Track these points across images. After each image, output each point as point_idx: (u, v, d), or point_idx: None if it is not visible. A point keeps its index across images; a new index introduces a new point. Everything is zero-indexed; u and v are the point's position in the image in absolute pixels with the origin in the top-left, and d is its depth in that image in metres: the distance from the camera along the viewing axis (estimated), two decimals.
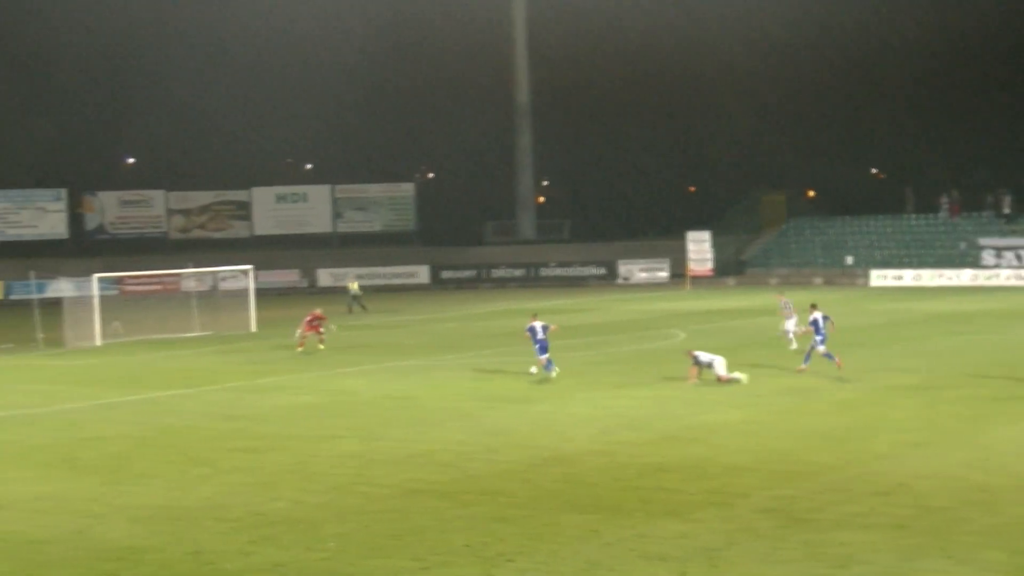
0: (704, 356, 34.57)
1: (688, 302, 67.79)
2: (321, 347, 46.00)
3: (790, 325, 42.16)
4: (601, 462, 24.32)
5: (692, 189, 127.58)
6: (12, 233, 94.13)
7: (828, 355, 36.04)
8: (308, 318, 46.76)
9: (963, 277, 76.15)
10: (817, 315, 36.83)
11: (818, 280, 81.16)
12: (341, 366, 41.75)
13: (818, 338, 36.45)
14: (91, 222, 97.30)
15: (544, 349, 36.42)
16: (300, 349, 45.74)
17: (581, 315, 60.84)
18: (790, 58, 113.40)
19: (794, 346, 41.20)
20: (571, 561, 17.86)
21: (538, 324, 36.90)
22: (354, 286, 67.27)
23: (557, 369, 36.58)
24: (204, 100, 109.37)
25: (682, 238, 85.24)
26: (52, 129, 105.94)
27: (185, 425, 30.47)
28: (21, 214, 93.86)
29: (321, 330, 46.52)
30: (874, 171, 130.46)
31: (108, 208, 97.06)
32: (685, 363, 35.28)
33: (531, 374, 36.84)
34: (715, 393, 32.67)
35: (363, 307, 65.34)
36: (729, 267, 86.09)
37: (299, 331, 46.49)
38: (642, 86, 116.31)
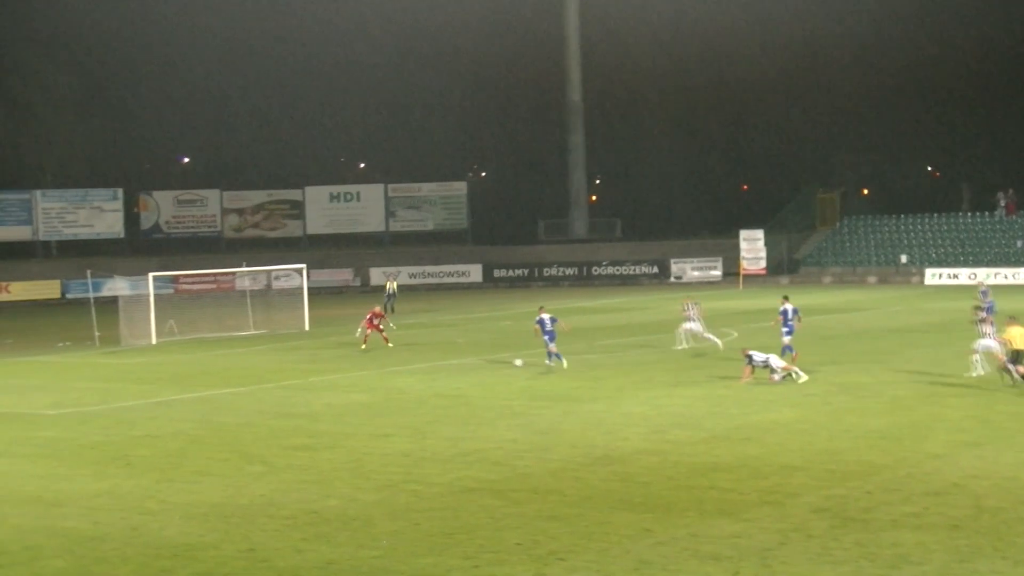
0: (759, 356, 34.39)
1: (740, 301, 67.49)
2: (389, 345, 46.21)
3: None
4: (653, 461, 24.26)
5: (745, 187, 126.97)
6: (69, 232, 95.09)
7: (788, 347, 37.05)
8: (368, 316, 47.05)
9: (1020, 276, 75.41)
10: (787, 307, 38.15)
11: (872, 279, 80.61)
12: (392, 364, 41.85)
13: (784, 329, 37.50)
14: (147, 221, 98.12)
15: (552, 339, 38.31)
16: (364, 347, 45.92)
17: (633, 314, 60.69)
18: (846, 56, 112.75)
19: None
20: (622, 560, 17.82)
21: (546, 316, 39.00)
22: (393, 285, 67.03)
23: (566, 361, 37.89)
24: (258, 99, 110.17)
25: (735, 236, 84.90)
26: (109, 129, 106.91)
27: (239, 423, 30.66)
28: (78, 213, 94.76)
29: (381, 328, 46.77)
30: (930, 169, 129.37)
31: (163, 207, 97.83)
32: (739, 362, 35.12)
33: (516, 366, 38.96)
34: (768, 392, 32.50)
35: (391, 308, 64.20)
36: (782, 266, 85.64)
37: (360, 330, 46.74)
38: (694, 84, 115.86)
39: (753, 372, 34.14)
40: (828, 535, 18.64)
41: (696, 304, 43.34)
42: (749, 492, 21.43)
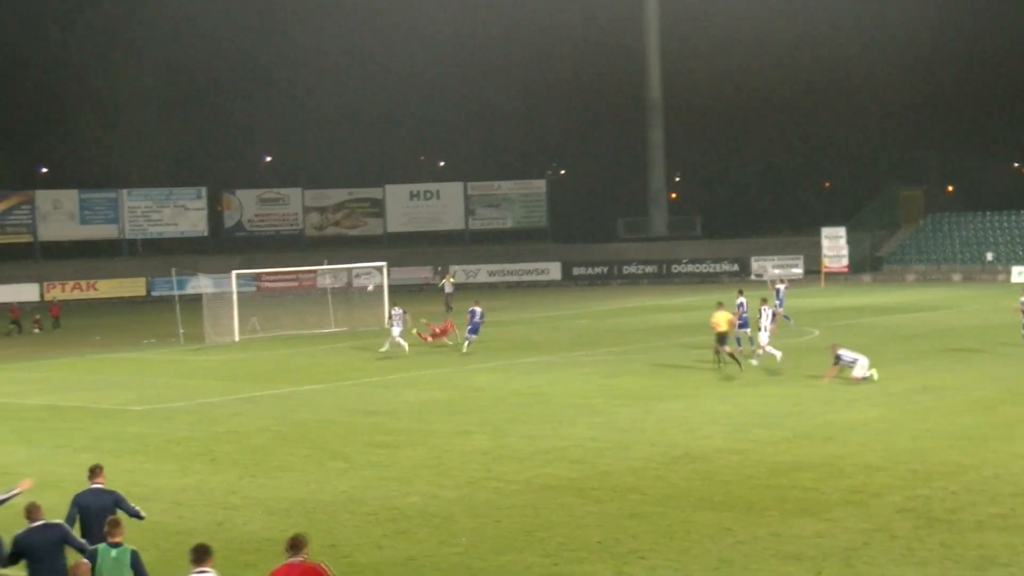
0: (848, 355, 33.97)
1: (822, 299, 66.91)
2: (429, 340, 46.83)
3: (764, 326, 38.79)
4: (735, 460, 24.10)
5: (827, 184, 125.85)
6: (154, 231, 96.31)
7: (739, 340, 39.47)
8: (444, 326, 47.80)
9: None
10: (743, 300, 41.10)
11: (957, 276, 79.58)
12: (471, 362, 41.94)
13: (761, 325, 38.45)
14: (230, 219, 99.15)
15: (475, 331, 44.37)
16: (414, 331, 46.50)
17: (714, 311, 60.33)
18: (930, 51, 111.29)
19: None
20: (703, 559, 17.72)
21: (478, 309, 44.80)
22: (450, 280, 66.91)
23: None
24: (339, 98, 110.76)
25: (816, 234, 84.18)
26: (193, 129, 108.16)
27: (321, 420, 30.87)
28: (163, 212, 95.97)
29: (436, 337, 47.26)
30: (1016, 165, 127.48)
31: (246, 206, 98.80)
32: (820, 361, 34.80)
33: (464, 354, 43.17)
34: (850, 391, 32.19)
35: (449, 307, 63.94)
36: (865, 264, 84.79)
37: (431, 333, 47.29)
38: (776, 80, 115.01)
39: (840, 371, 33.80)
40: (912, 536, 18.42)
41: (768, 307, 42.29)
42: (832, 492, 21.23)
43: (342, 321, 56.44)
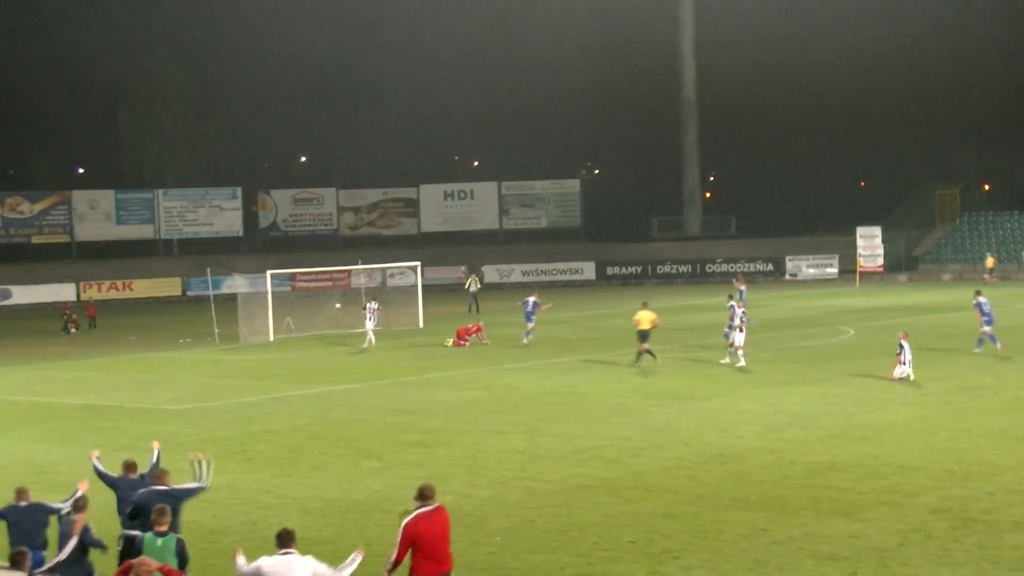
0: (907, 352, 33.48)
1: (858, 298, 66.64)
2: (447, 343, 46.91)
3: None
4: (769, 459, 24.04)
5: (862, 184, 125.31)
6: (190, 231, 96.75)
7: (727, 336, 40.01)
8: (470, 329, 47.88)
9: None
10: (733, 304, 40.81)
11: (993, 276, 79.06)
12: (506, 362, 41.97)
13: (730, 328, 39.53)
14: (265, 219, 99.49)
15: (529, 320, 46.86)
16: (448, 343, 46.67)
17: (748, 311, 60.14)
18: (966, 48, 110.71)
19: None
20: (738, 559, 17.68)
21: (531, 299, 47.49)
22: (475, 281, 66.89)
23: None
24: (374, 99, 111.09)
25: (852, 233, 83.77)
26: (229, 129, 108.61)
27: (355, 419, 30.95)
28: (198, 212, 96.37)
29: (467, 341, 47.38)
30: None
31: (281, 206, 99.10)
32: (853, 361, 34.62)
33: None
34: (885, 391, 32.04)
35: (478, 306, 63.92)
36: (900, 263, 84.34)
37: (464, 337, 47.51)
38: (810, 79, 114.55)
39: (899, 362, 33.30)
40: (948, 536, 18.33)
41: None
42: (867, 492, 21.15)
43: (377, 321, 56.47)
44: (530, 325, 47.11)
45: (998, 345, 38.78)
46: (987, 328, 39.61)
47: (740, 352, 38.00)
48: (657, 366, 38.25)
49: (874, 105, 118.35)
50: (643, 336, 39.03)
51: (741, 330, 38.27)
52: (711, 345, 43.73)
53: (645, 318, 39.36)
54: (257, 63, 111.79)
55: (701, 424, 28.29)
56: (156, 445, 19.06)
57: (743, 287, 53.06)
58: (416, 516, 14.14)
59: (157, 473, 17.51)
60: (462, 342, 47.34)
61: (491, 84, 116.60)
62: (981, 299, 40.94)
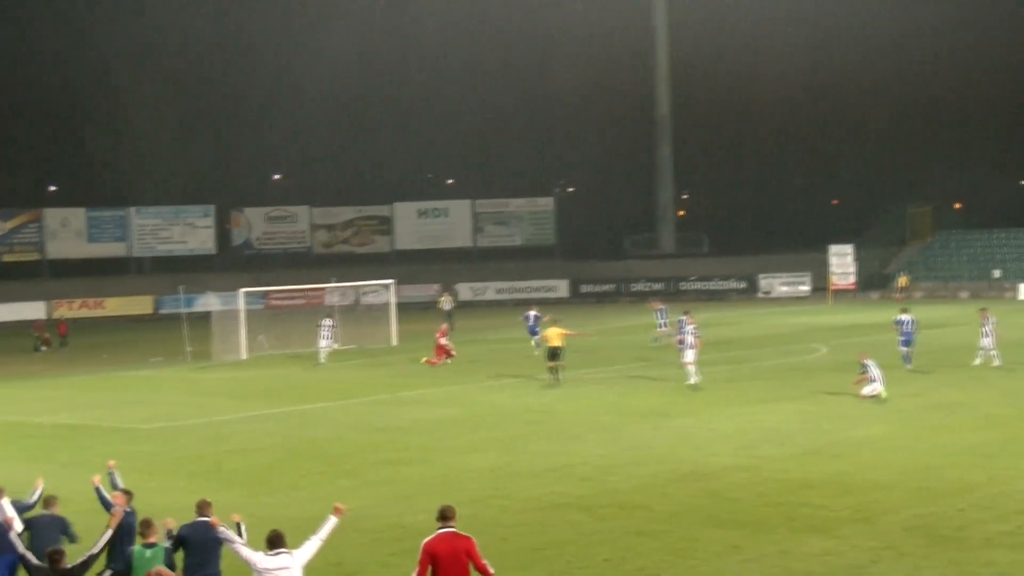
0: (875, 370, 33.59)
1: (830, 316, 66.87)
2: (422, 360, 46.76)
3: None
4: (743, 477, 24.11)
5: (835, 202, 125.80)
6: (163, 249, 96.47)
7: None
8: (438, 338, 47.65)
9: None
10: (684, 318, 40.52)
11: (964, 294, 79.44)
12: (481, 379, 41.97)
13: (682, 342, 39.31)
14: (238, 237, 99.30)
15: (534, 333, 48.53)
16: (423, 360, 46.51)
17: (722, 329, 60.35)
18: (938, 67, 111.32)
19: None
20: None
21: (532, 313, 49.56)
22: (449, 299, 66.63)
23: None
24: (347, 116, 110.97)
25: (824, 251, 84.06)
26: (203, 146, 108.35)
27: (329, 437, 30.90)
28: (171, 230, 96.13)
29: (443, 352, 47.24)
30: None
31: (255, 224, 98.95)
32: (829, 377, 34.79)
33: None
34: (860, 408, 32.17)
35: (451, 324, 63.59)
36: (873, 281, 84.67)
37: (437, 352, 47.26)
38: (784, 97, 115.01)
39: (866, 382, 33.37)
40: (920, 553, 18.42)
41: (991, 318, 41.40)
42: (840, 509, 21.24)
43: (350, 339, 56.44)
44: (537, 337, 48.57)
45: (908, 366, 39.58)
46: (904, 348, 40.70)
47: (691, 368, 37.94)
48: (558, 383, 39.08)
49: (847, 123, 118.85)
50: (553, 353, 39.94)
51: (692, 347, 38.15)
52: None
53: (554, 334, 40.33)
54: (231, 81, 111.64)
55: (676, 441, 28.35)
56: (112, 464, 19.10)
57: (661, 307, 53.79)
58: (436, 536, 14.44)
59: (118, 495, 17.60)
60: (436, 360, 47.11)
61: (465, 102, 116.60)
62: (903, 316, 41.67)
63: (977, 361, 40.53)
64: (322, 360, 49.68)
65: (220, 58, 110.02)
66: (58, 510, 17.63)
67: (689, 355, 38.01)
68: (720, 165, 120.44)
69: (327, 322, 50.59)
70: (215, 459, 28.35)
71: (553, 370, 40.00)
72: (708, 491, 23.02)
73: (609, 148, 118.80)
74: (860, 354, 34.57)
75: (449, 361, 46.27)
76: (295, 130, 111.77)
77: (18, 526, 17.12)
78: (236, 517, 16.86)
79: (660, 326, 52.28)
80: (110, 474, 18.73)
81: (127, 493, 17.92)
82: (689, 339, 38.26)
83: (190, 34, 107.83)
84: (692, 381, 37.54)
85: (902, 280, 79.77)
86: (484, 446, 28.61)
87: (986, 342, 40.58)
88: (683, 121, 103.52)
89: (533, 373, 42.78)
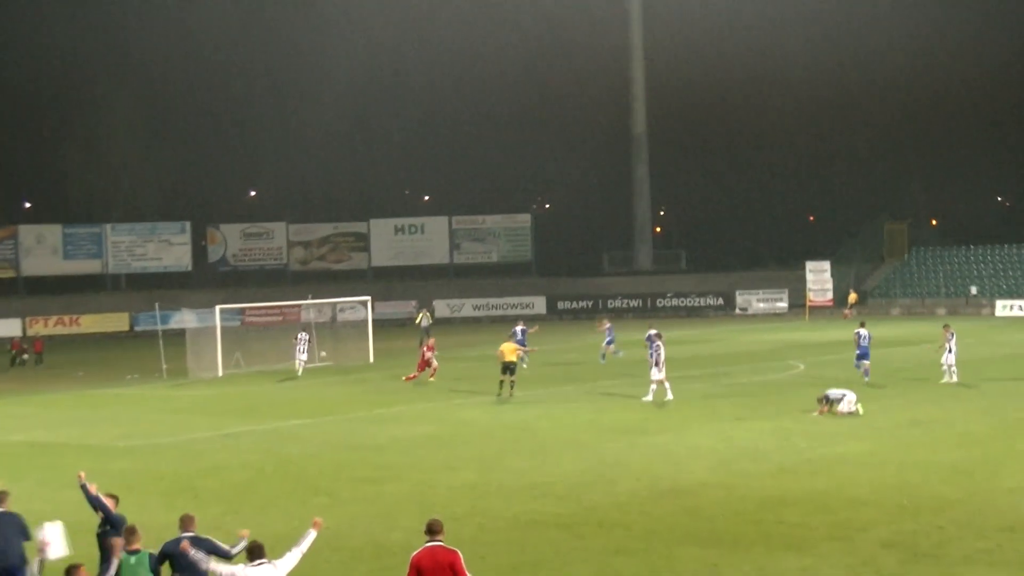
0: (836, 392, 34.12)
1: (807, 333, 67.03)
2: (402, 378, 46.63)
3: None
4: (720, 494, 24.09)
5: (811, 218, 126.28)
6: (138, 265, 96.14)
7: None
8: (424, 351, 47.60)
9: None
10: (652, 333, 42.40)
11: (941, 311, 79.74)
12: (458, 397, 41.90)
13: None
14: (214, 254, 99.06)
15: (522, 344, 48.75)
16: (404, 378, 46.34)
17: (699, 346, 60.44)
18: (913, 85, 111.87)
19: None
20: None
21: (519, 327, 50.51)
22: (426, 316, 66.48)
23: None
24: (323, 133, 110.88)
25: (801, 268, 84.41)
26: (178, 163, 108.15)
27: (305, 455, 30.77)
28: (147, 247, 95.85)
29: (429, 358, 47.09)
30: (999, 199, 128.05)
31: (231, 240, 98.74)
32: (808, 392, 34.85)
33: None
34: (837, 425, 32.21)
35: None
36: (849, 297, 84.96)
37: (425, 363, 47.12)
38: (761, 114, 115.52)
39: (830, 408, 33.81)
40: (898, 571, 18.42)
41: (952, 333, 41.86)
42: (817, 527, 21.23)
43: (326, 355, 56.35)
44: (525, 349, 49.42)
45: (866, 379, 40.98)
46: (863, 361, 42.03)
47: (653, 387, 37.96)
48: (511, 397, 39.98)
49: (823, 139, 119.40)
50: (507, 368, 40.91)
51: (658, 365, 38.12)
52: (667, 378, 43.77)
53: (508, 349, 41.46)
54: (207, 96, 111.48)
55: (653, 458, 28.32)
56: (83, 475, 18.94)
57: (609, 325, 55.25)
58: (423, 550, 14.80)
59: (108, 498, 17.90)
60: (416, 373, 46.92)
61: (441, 118, 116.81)
62: (861, 330, 42.86)
63: (944, 379, 40.73)
64: (299, 373, 50.38)
65: (196, 73, 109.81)
66: (9, 506, 17.50)
67: (655, 372, 37.99)
68: (697, 181, 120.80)
69: (303, 335, 51.48)
70: (190, 477, 28.21)
71: (503, 384, 40.84)
72: (685, 508, 23.00)
73: (586, 165, 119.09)
74: (820, 397, 34.52)
75: (432, 377, 46.17)
76: (272, 146, 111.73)
77: None
78: (244, 533, 16.86)
79: (607, 342, 53.96)
80: (82, 486, 18.53)
81: (113, 497, 17.91)
82: (657, 356, 38.16)
83: (165, 49, 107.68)
84: (649, 399, 37.70)
85: (852, 296, 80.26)
86: (461, 464, 28.54)
87: (948, 358, 40.85)
88: (660, 138, 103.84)
89: (517, 384, 42.71)
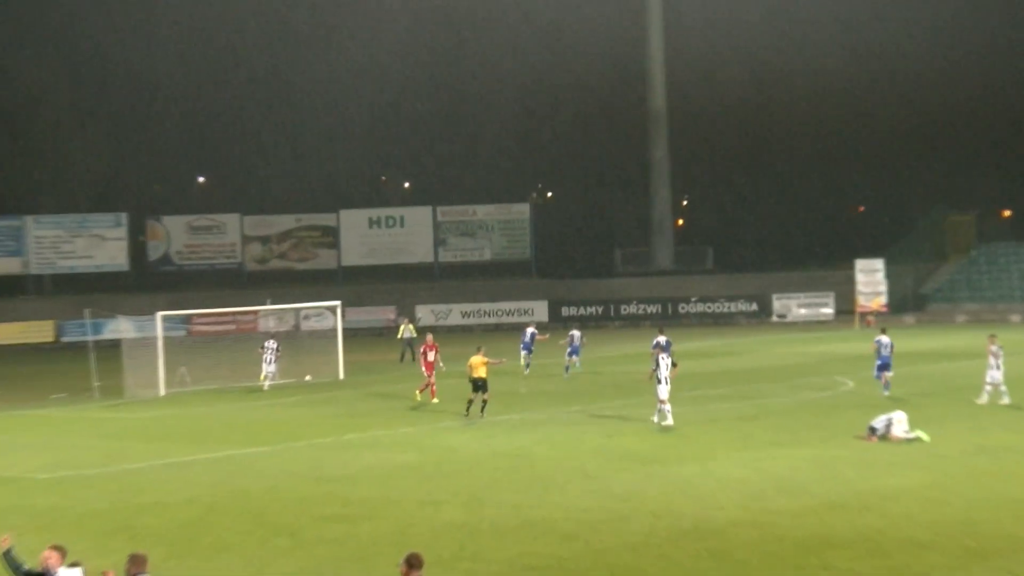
0: (879, 421, 34.09)
1: (857, 343, 66.95)
2: (418, 396, 46.41)
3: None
4: (753, 534, 24.09)
5: (861, 209, 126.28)
6: (65, 265, 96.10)
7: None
8: (423, 351, 47.61)
9: None
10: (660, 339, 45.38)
11: (1015, 317, 79.85)
12: (443, 419, 41.90)
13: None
14: (155, 251, 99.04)
15: (528, 350, 55.01)
16: (419, 397, 46.20)
17: (729, 359, 60.43)
18: (980, 58, 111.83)
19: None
20: None
21: (576, 333, 55.23)
22: (409, 327, 66.59)
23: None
24: (285, 110, 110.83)
25: (850, 267, 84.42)
26: (113, 146, 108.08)
27: (264, 488, 30.76)
28: (75, 243, 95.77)
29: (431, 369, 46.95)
30: None
31: (175, 235, 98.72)
32: (857, 413, 34.86)
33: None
34: (890, 453, 32.21)
35: (413, 355, 62.77)
36: (907, 302, 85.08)
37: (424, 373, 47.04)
38: (801, 88, 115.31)
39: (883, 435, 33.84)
40: None
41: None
42: (868, 572, 21.24)
43: (289, 371, 56.34)
44: (575, 358, 53.39)
45: (885, 392, 42.25)
46: (884, 372, 43.30)
47: (667, 408, 37.85)
48: (481, 418, 40.74)
49: (875, 118, 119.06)
50: (477, 384, 41.45)
51: (666, 382, 38.05)
52: (687, 398, 43.82)
53: (478, 363, 41.83)
54: (146, 69, 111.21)
55: (673, 492, 28.31)
56: (7, 539, 18.38)
57: (576, 332, 56.85)
58: None
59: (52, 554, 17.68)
60: (431, 378, 46.66)
61: (426, 91, 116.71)
62: (883, 338, 43.75)
63: (982, 399, 40.71)
64: (264, 387, 51.12)
65: (133, 45, 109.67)
66: None
67: (662, 391, 37.91)
68: (726, 166, 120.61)
69: (271, 344, 51.93)
70: (127, 514, 28.18)
71: (472, 403, 41.31)
72: (712, 551, 23.00)
73: (596, 147, 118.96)
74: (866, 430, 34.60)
75: (435, 398, 46.05)
76: (223, 125, 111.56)
77: None
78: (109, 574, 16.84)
79: (569, 354, 55.42)
80: (6, 553, 18.20)
81: (59, 550, 17.79)
82: (664, 371, 38.09)
83: (96, 18, 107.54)
84: (669, 422, 37.51)
85: (875, 303, 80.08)
86: (447, 498, 28.53)
87: (993, 375, 40.83)
88: (682, 114, 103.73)
89: (509, 407, 42.74)
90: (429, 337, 48.92)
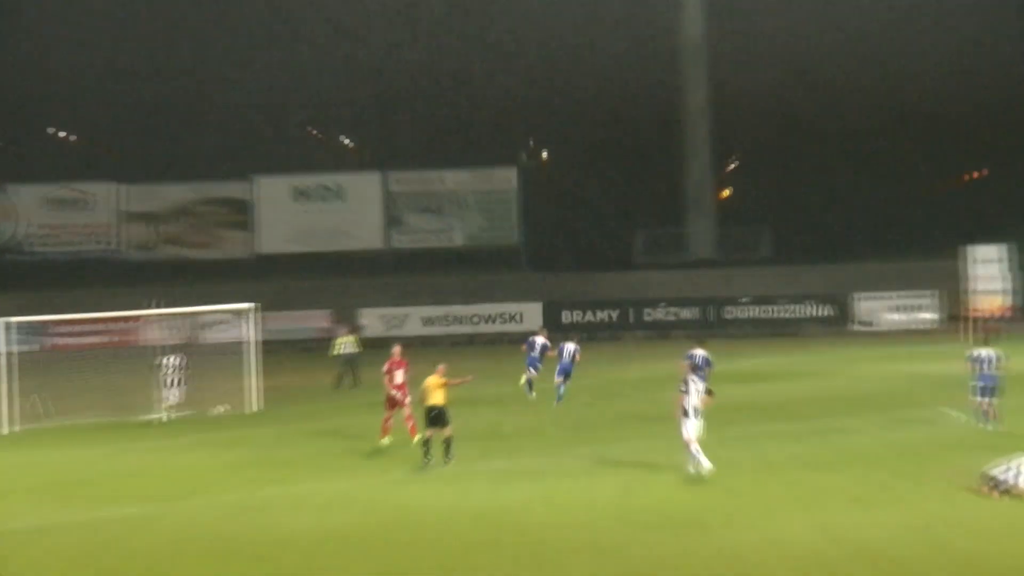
0: (1002, 469, 34.00)
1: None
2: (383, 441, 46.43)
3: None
4: None
5: (975, 175, 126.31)
6: None
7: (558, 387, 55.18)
8: (388, 368, 47.26)
9: None
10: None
11: None
12: (400, 466, 41.81)
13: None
14: (1, 234, 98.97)
15: (534, 367, 57.46)
16: (385, 440, 46.02)
17: (793, 383, 60.54)
18: None
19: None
20: None
21: (539, 340, 57.88)
22: (349, 340, 66.45)
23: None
24: (177, 41, 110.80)
25: (956, 257, 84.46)
26: None
27: (146, 566, 30.66)
28: None
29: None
30: None
31: (25, 211, 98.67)
32: (963, 457, 34.93)
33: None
34: (1017, 513, 32.20)
35: (355, 379, 64.50)
36: None
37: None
38: (889, 20, 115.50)
39: (1006, 492, 33.87)
40: None
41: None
42: None
43: (183, 398, 56.25)
44: (534, 373, 55.69)
45: (989, 427, 43.52)
46: (981, 398, 44.67)
47: (695, 448, 37.62)
48: (445, 464, 40.90)
49: (985, 57, 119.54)
50: (433, 417, 41.09)
51: (696, 415, 37.85)
52: (734, 437, 43.87)
53: (433, 386, 41.42)
54: None
55: (720, 567, 28.31)
56: None
57: (543, 340, 58.78)
58: None
59: None
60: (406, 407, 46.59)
61: (373, 17, 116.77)
62: (983, 351, 44.91)
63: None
64: (163, 419, 52.08)
65: None
66: None
67: (690, 428, 37.70)
68: (787, 118, 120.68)
69: (172, 360, 51.84)
70: None
71: (429, 444, 40.94)
72: None
73: (609, 90, 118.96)
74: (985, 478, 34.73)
75: (410, 415, 45.96)
76: (89, 61, 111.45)
77: None
78: None
79: (530, 370, 57.63)
80: None
81: None
82: (694, 398, 37.91)
83: None
84: (704, 466, 37.35)
85: (996, 301, 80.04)
86: None
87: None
88: (725, 47, 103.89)
89: (489, 451, 42.75)
90: (396, 350, 48.14)
